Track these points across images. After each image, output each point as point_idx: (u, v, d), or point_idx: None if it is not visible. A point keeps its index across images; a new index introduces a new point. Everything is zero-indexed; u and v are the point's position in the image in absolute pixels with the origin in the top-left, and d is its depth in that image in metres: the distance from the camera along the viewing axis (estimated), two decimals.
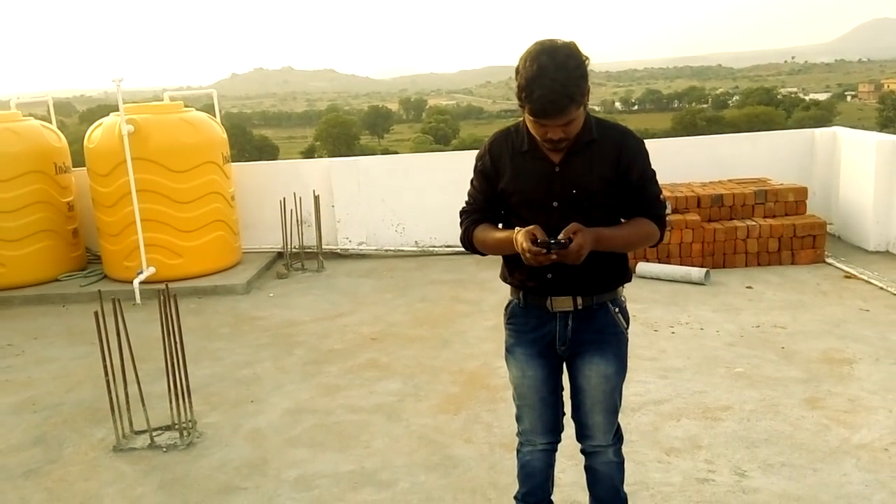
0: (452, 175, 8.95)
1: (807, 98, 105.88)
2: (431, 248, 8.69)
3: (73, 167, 8.46)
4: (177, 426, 4.45)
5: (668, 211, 7.38)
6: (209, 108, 8.66)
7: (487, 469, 3.93)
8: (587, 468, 3.02)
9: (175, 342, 4.28)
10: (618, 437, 2.98)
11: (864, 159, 7.66)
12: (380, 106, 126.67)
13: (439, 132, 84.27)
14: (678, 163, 8.50)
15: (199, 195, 7.73)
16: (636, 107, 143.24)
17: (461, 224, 2.90)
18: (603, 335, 2.81)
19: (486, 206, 2.84)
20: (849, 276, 6.84)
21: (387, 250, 8.77)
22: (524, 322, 2.86)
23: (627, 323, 2.88)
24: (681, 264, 7.19)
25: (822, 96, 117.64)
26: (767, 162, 8.53)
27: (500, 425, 4.36)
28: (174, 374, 4.33)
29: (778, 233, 7.30)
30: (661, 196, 2.87)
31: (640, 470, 3.81)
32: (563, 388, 2.95)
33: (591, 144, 2.67)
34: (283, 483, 3.93)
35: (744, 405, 4.47)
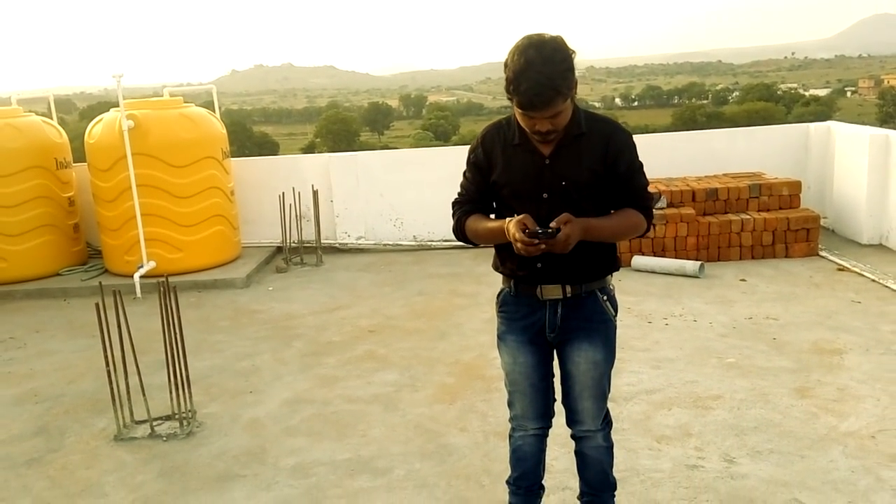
0: (450, 170, 9.00)
1: (807, 94, 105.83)
2: (429, 243, 8.76)
3: (74, 163, 8.53)
4: (177, 416, 4.53)
5: (663, 205, 7.45)
6: (210, 105, 8.73)
7: (481, 457, 4.01)
8: (577, 453, 3.09)
9: (175, 333, 4.35)
10: (606, 422, 3.05)
11: (857, 153, 7.73)
12: (380, 102, 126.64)
13: (439, 129, 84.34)
14: (674, 157, 8.58)
15: (198, 190, 7.80)
16: (636, 103, 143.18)
17: (453, 215, 2.97)
18: (591, 323, 2.87)
19: (478, 198, 2.91)
20: (842, 269, 6.91)
21: (385, 244, 8.84)
22: (515, 310, 2.93)
23: (616, 311, 2.94)
24: (676, 258, 7.26)
25: (822, 92, 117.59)
26: (762, 156, 8.60)
27: (495, 414, 4.43)
28: (174, 365, 4.41)
29: (772, 226, 7.37)
30: (649, 187, 2.93)
31: (631, 457, 3.89)
32: (553, 375, 3.02)
33: (580, 137, 2.73)
34: (281, 471, 4.00)
35: (734, 394, 4.54)
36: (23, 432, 4.64)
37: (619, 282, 6.71)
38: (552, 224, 2.56)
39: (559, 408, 3.04)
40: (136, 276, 7.36)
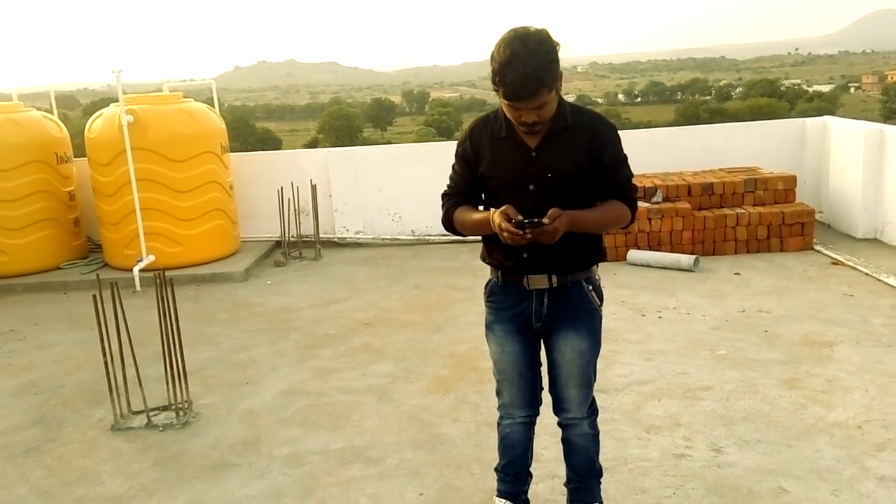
0: (448, 164, 9.07)
1: (810, 90, 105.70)
2: (427, 237, 8.81)
3: (76, 158, 8.58)
4: (173, 406, 4.59)
5: (659, 199, 7.50)
6: (212, 102, 8.79)
7: (473, 446, 4.06)
8: (564, 440, 3.14)
9: (171, 324, 4.41)
10: (592, 409, 3.10)
11: (852, 148, 7.77)
12: (383, 99, 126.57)
13: (442, 125, 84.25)
14: (671, 152, 8.62)
15: (197, 184, 7.86)
16: (639, 99, 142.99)
17: (443, 206, 3.03)
18: (577, 312, 2.92)
19: (466, 190, 2.97)
20: (836, 263, 6.96)
21: (383, 239, 8.89)
22: (502, 300, 2.99)
23: (601, 300, 2.99)
24: (671, 251, 7.31)
25: (825, 88, 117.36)
26: (759, 151, 8.64)
27: (488, 405, 4.47)
28: (171, 356, 4.47)
29: (767, 220, 7.41)
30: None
31: (619, 446, 3.93)
32: (541, 364, 3.08)
33: (566, 131, 2.78)
34: (275, 460, 4.06)
35: (724, 385, 4.59)
36: (21, 422, 4.70)
37: (615, 275, 6.79)
38: (545, 220, 2.61)
39: (546, 396, 3.10)
40: (136, 269, 7.42)
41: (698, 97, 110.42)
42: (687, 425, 4.13)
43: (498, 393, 3.14)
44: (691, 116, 67.74)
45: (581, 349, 2.93)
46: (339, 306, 6.67)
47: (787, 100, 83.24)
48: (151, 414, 4.56)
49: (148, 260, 7.58)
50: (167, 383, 4.53)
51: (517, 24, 2.68)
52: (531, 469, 3.26)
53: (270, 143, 67.05)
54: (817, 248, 7.42)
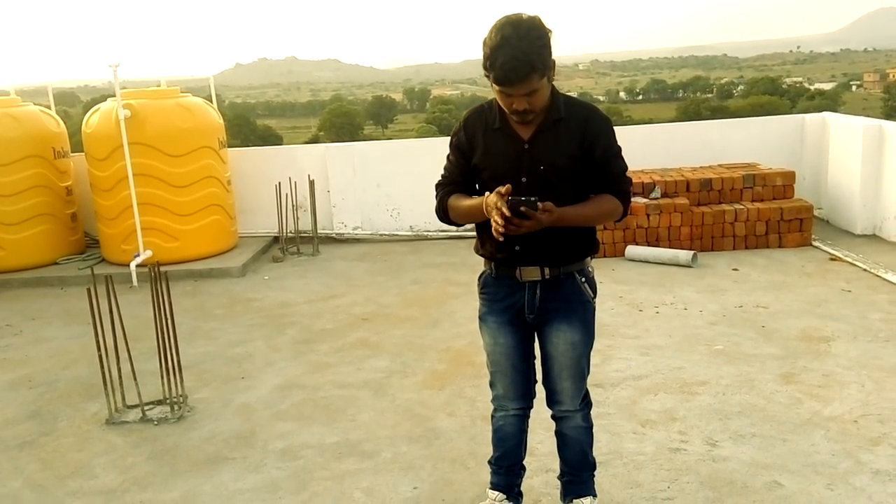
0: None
1: (812, 88, 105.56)
2: (426, 233, 8.80)
3: (74, 153, 8.57)
4: (168, 401, 4.58)
5: (658, 195, 7.48)
6: (212, 98, 8.77)
7: (468, 440, 4.05)
8: (557, 433, 3.14)
9: (165, 318, 4.40)
10: (585, 402, 3.09)
11: (851, 144, 7.75)
12: (384, 96, 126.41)
13: (443, 122, 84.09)
14: (670, 148, 8.61)
15: (195, 179, 7.85)
16: (641, 96, 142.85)
17: (436, 196, 3.01)
18: (570, 304, 2.90)
19: (461, 180, 2.96)
20: (834, 259, 6.94)
21: (381, 235, 8.88)
22: (495, 291, 2.97)
23: (594, 293, 2.97)
24: (669, 247, 7.29)
25: (827, 86, 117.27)
26: (758, 147, 8.62)
27: (483, 400, 4.43)
28: (165, 351, 4.46)
29: (765, 216, 7.40)
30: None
31: (615, 440, 3.92)
32: (534, 357, 3.07)
33: (559, 123, 2.77)
34: (270, 453, 4.05)
35: (720, 380, 4.58)
36: (16, 416, 4.70)
37: (613, 271, 6.77)
38: (540, 204, 2.56)
39: (540, 390, 3.09)
40: (133, 264, 7.41)
41: (700, 95, 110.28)
42: (682, 420, 4.12)
43: (491, 385, 3.13)
44: (693, 114, 67.64)
45: (574, 341, 2.92)
46: (337, 301, 6.66)
47: (789, 98, 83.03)
48: (146, 408, 4.55)
49: (145, 255, 7.56)
50: (162, 377, 4.53)
51: (510, 11, 2.67)
52: (525, 462, 3.25)
53: (271, 140, 67.01)
54: (816, 243, 7.40)
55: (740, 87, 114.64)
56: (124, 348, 4.44)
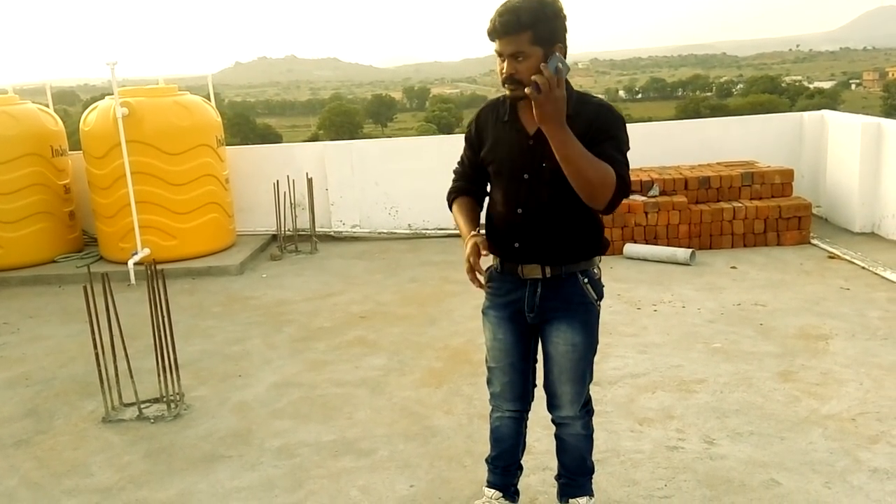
0: (446, 159, 9.00)
1: (811, 86, 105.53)
2: (424, 231, 8.79)
3: (72, 152, 8.56)
4: (165, 399, 4.57)
5: (656, 193, 7.47)
6: (211, 96, 8.76)
7: (465, 438, 4.04)
8: (556, 436, 3.11)
9: (163, 316, 4.39)
10: (586, 410, 3.03)
11: (850, 142, 7.74)
12: (383, 95, 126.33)
13: (443, 121, 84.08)
14: (669, 146, 8.60)
15: (193, 177, 7.83)
16: (640, 95, 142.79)
17: (452, 183, 3.05)
18: (570, 304, 2.85)
19: (472, 174, 2.97)
20: (832, 257, 6.93)
21: (380, 233, 8.87)
22: (499, 286, 2.95)
23: (599, 296, 2.89)
24: (668, 245, 7.28)
25: (826, 84, 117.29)
26: (757, 145, 8.62)
27: (481, 398, 4.43)
28: (162, 348, 4.45)
29: (764, 214, 7.39)
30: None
31: (612, 438, 3.92)
32: (535, 360, 3.04)
33: (569, 120, 2.64)
34: (266, 451, 4.04)
35: (718, 378, 4.57)
36: (12, 414, 4.69)
37: (611, 269, 6.77)
38: (534, 78, 2.42)
39: (540, 393, 3.06)
40: (130, 262, 7.40)
41: (699, 94, 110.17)
42: (680, 418, 4.12)
43: (489, 382, 3.10)
44: (692, 113, 67.58)
45: (574, 342, 2.86)
46: (334, 299, 6.65)
47: (788, 96, 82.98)
48: (143, 406, 4.54)
49: (143, 253, 7.55)
50: (159, 375, 4.51)
51: None
52: (522, 461, 3.24)
53: (271, 139, 66.97)
54: (814, 241, 7.40)
55: (739, 86, 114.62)
56: (121, 346, 4.43)
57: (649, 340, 5.22)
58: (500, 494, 3.18)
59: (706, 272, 6.72)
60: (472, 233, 2.83)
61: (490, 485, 3.21)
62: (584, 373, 2.94)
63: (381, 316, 6.15)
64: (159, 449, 4.14)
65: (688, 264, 6.92)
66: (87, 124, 7.88)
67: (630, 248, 7.26)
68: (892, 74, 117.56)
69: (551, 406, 3.03)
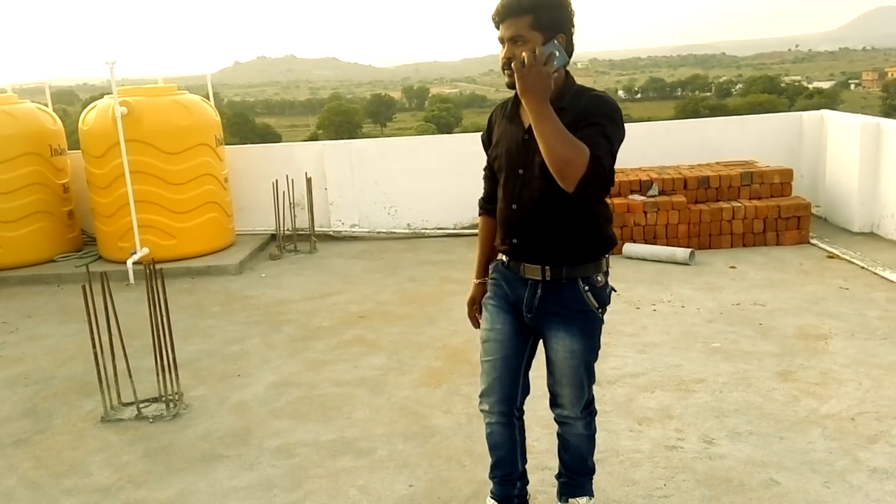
0: (445, 158, 9.11)
1: (810, 86, 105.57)
2: (423, 230, 8.79)
3: (70, 150, 8.55)
4: (163, 398, 4.57)
5: (655, 192, 7.47)
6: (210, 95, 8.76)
7: (464, 438, 4.03)
8: (559, 435, 3.09)
9: (161, 315, 4.39)
10: (589, 411, 3.01)
11: (849, 141, 7.74)
12: (382, 94, 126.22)
13: (442, 120, 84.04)
14: (668, 146, 8.60)
15: (192, 177, 7.83)
16: (639, 95, 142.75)
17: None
18: (569, 311, 2.80)
19: (491, 174, 3.01)
20: (832, 257, 6.94)
21: (379, 232, 8.87)
22: (503, 280, 2.94)
23: (601, 304, 2.84)
24: (667, 245, 7.28)
25: (825, 84, 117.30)
26: (756, 145, 8.62)
27: None
28: (161, 348, 4.44)
29: (763, 214, 7.39)
30: (615, 165, 2.73)
31: (611, 438, 3.91)
32: (530, 362, 2.99)
33: (560, 112, 2.56)
34: (265, 451, 4.04)
35: (717, 378, 4.57)
36: (11, 414, 4.68)
37: (610, 269, 6.73)
38: (523, 54, 2.42)
39: (543, 390, 3.03)
40: (129, 262, 7.39)
41: (698, 94, 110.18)
42: (679, 417, 4.11)
43: (480, 377, 3.01)
44: (691, 113, 67.57)
45: (573, 349, 2.83)
46: (334, 299, 6.65)
47: (788, 96, 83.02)
48: (142, 406, 4.54)
49: (142, 252, 7.55)
50: (158, 375, 4.51)
51: None
52: (524, 468, 3.15)
53: (270, 138, 66.90)
54: (813, 241, 7.40)
55: (739, 86, 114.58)
56: (120, 346, 4.42)
57: (648, 340, 5.22)
58: None
59: (705, 272, 6.72)
60: (476, 280, 3.10)
61: (492, 495, 3.16)
62: (583, 377, 2.92)
63: (380, 315, 6.14)
64: (158, 448, 4.13)
65: (687, 264, 6.92)
66: (86, 123, 7.87)
67: (629, 247, 7.26)
68: (892, 74, 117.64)
69: (553, 404, 3.01)
